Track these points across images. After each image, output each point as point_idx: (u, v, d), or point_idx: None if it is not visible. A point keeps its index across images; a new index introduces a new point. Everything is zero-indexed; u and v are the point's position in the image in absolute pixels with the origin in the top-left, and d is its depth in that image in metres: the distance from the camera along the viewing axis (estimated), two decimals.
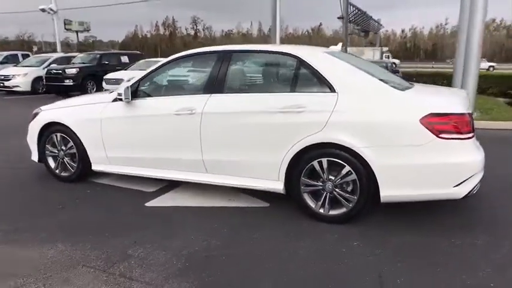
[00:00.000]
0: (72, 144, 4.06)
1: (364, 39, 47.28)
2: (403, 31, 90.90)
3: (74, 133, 4.00)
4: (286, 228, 3.10)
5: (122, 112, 3.75)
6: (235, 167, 3.41)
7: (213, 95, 3.42)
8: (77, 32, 52.37)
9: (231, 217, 3.32)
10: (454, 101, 2.99)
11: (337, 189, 3.08)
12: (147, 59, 15.31)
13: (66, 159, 4.17)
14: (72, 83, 13.48)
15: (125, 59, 15.71)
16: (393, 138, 2.88)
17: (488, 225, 3.14)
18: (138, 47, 63.39)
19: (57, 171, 4.25)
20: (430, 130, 2.79)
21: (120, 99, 3.65)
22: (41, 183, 4.22)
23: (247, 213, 3.41)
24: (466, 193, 2.87)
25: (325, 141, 3.01)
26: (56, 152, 4.20)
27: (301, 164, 3.14)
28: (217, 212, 3.44)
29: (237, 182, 3.45)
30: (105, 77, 12.87)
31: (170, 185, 4.04)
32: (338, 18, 35.44)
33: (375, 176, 2.93)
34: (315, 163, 3.09)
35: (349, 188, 3.08)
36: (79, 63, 14.71)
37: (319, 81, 3.13)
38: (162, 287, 2.34)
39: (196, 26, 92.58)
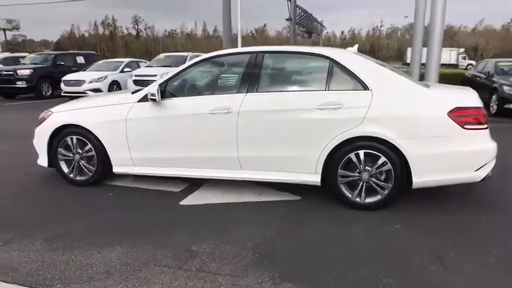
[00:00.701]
0: (91, 146, 3.95)
1: (308, 40, 49.08)
2: (342, 32, 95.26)
3: (94, 135, 3.90)
4: (329, 217, 3.33)
5: (151, 112, 3.73)
6: (272, 163, 3.57)
7: (248, 94, 3.54)
8: (4, 30, 48.41)
9: (272, 210, 3.47)
10: (471, 96, 3.40)
11: (373, 179, 3.37)
12: (106, 60, 14.74)
13: (82, 163, 4.04)
14: (25, 85, 12.66)
15: (80, 59, 14.99)
16: (424, 130, 3.22)
17: (502, 206, 3.59)
18: (75, 47, 60.03)
19: (71, 175, 4.10)
20: (456, 122, 3.17)
21: (153, 100, 3.63)
22: (54, 189, 4.05)
23: (285, 206, 3.57)
24: (484, 176, 3.30)
25: (363, 134, 3.28)
26: (71, 155, 4.05)
27: (339, 157, 3.38)
28: (254, 207, 3.57)
29: (273, 177, 3.61)
30: (63, 78, 12.25)
31: (193, 185, 4.09)
32: (286, 19, 36.42)
33: (408, 164, 3.25)
34: (352, 155, 3.36)
35: (383, 177, 3.37)
36: (30, 64, 13.78)
37: (353, 80, 3.40)
38: (246, 277, 2.45)
39: (138, 26, 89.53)
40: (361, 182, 3.40)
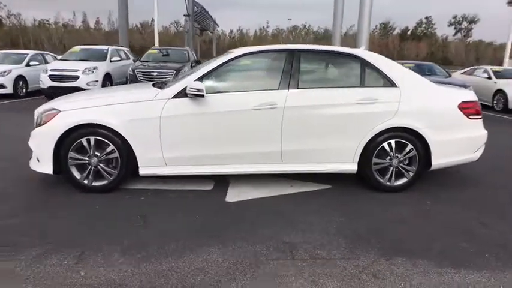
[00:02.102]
0: (113, 147, 3.60)
1: (199, 37, 49.09)
2: (231, 31, 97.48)
3: (119, 135, 3.57)
4: (369, 201, 3.71)
5: (191, 109, 3.59)
6: (313, 155, 3.79)
7: (290, 90, 3.70)
8: None
9: (315, 199, 3.70)
10: (469, 92, 4.14)
11: (401, 164, 3.87)
12: (3, 51, 12.67)
13: (100, 166, 3.65)
14: None
15: None
16: (441, 120, 3.84)
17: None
18: None
19: (85, 181, 3.67)
20: (464, 113, 3.86)
21: (196, 95, 3.50)
22: (69, 199, 3.57)
23: (323, 195, 3.83)
24: (478, 157, 4.08)
25: (396, 125, 3.74)
26: (86, 159, 3.63)
27: (374, 146, 3.79)
28: (296, 198, 3.74)
29: (314, 168, 3.84)
30: None
31: (218, 182, 4.05)
32: (184, 16, 35.90)
33: (429, 149, 3.84)
34: (385, 144, 3.80)
35: (407, 162, 3.90)
36: None
37: (382, 78, 3.84)
38: (358, 258, 2.67)
39: None
40: (392, 168, 3.86)
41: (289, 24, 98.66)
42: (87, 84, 10.44)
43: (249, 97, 3.67)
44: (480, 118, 3.99)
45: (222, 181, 4.08)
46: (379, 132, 3.74)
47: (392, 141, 3.80)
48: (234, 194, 3.77)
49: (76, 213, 3.26)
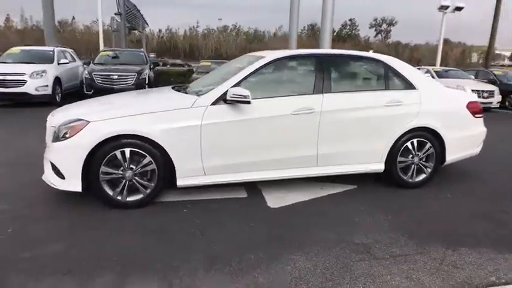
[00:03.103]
0: (150, 159, 3.39)
1: (127, 36, 47.14)
2: (160, 31, 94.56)
3: (157, 145, 3.37)
4: (398, 196, 3.96)
5: (230, 116, 3.51)
6: (346, 157, 3.93)
7: (325, 94, 3.79)
8: None
9: (351, 199, 3.85)
10: (470, 93, 4.58)
11: (421, 161, 4.17)
12: None
13: (136, 180, 3.42)
14: None
15: None
16: (454, 119, 4.22)
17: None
18: None
19: (119, 197, 3.41)
20: (470, 112, 4.28)
21: (242, 102, 3.43)
22: (111, 216, 3.28)
23: (354, 194, 3.99)
24: (479, 151, 4.55)
25: (419, 125, 4.03)
26: (120, 173, 3.37)
27: (399, 146, 4.04)
28: (332, 199, 3.85)
29: (346, 169, 3.97)
30: None
31: (251, 188, 4.01)
32: (116, 14, 34.23)
33: (444, 146, 4.19)
34: (409, 143, 4.07)
35: (425, 159, 4.21)
36: None
37: (403, 81, 4.10)
38: (454, 252, 2.86)
39: None
40: (413, 165, 4.15)
41: (220, 24, 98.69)
42: (36, 89, 9.55)
43: (288, 102, 3.69)
44: (481, 116, 4.44)
45: (253, 188, 4.04)
46: (404, 132, 3.99)
47: (415, 141, 4.08)
48: (274, 200, 3.76)
49: (124, 231, 3.02)
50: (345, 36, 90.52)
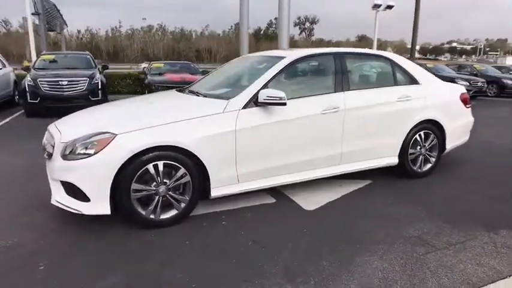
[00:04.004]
0: (185, 171, 3.13)
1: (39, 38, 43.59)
2: (79, 31, 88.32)
3: (191, 155, 3.13)
4: (411, 186, 4.14)
5: (262, 119, 3.37)
6: (366, 153, 4.00)
7: (346, 92, 3.82)
8: None
9: (374, 194, 3.93)
10: (460, 85, 4.92)
11: (427, 152, 4.41)
12: None
13: (169, 195, 3.14)
14: None
15: None
16: (452, 110, 4.52)
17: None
18: None
19: (152, 216, 3.10)
20: (463, 103, 4.62)
21: (278, 104, 3.30)
22: (143, 237, 2.96)
23: (373, 189, 4.06)
24: (468, 138, 4.94)
25: (426, 118, 4.25)
26: (153, 189, 3.06)
27: (410, 138, 4.23)
28: (357, 196, 3.89)
29: (365, 165, 4.05)
30: None
31: (275, 193, 3.90)
32: (33, 14, 31.37)
33: (445, 136, 4.47)
34: (417, 136, 4.27)
35: (429, 150, 4.46)
36: None
37: (408, 77, 4.28)
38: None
39: None
40: (421, 156, 4.37)
41: (144, 24, 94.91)
42: None
43: (315, 101, 3.65)
44: (470, 107, 4.81)
45: (276, 193, 3.92)
46: (414, 125, 4.18)
47: (422, 133, 4.29)
48: (305, 203, 3.69)
49: (178, 253, 2.74)
50: (272, 34, 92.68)
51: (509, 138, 6.96)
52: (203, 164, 3.16)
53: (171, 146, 3.02)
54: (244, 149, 3.30)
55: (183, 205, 3.18)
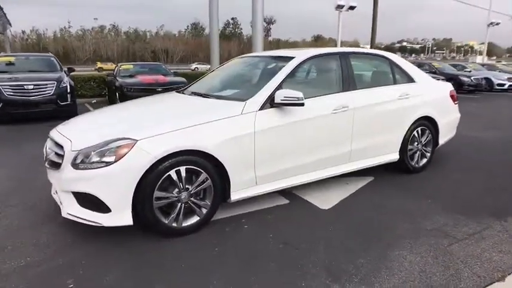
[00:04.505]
0: (206, 175, 3.04)
1: None
2: (23, 32, 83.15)
3: (213, 159, 3.05)
4: (420, 182, 4.30)
5: (279, 120, 3.35)
6: (372, 150, 4.09)
7: (353, 91, 3.89)
8: None
9: (382, 190, 4.03)
10: (448, 83, 5.16)
11: (423, 148, 4.59)
12: None
13: (191, 201, 3.04)
14: None
15: None
16: (443, 106, 4.74)
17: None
18: None
19: (174, 224, 2.99)
20: (452, 100, 4.87)
21: (296, 104, 3.28)
22: (175, 249, 2.84)
23: (380, 186, 4.15)
24: (455, 133, 5.21)
25: (422, 115, 4.42)
26: (175, 195, 2.95)
27: (409, 135, 4.38)
28: (366, 192, 3.97)
29: (370, 162, 4.14)
30: None
31: (286, 194, 3.89)
32: None
33: (438, 132, 4.69)
34: (415, 132, 4.44)
35: (425, 145, 4.65)
36: None
37: (405, 75, 4.44)
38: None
39: None
40: (418, 151, 4.55)
41: (96, 24, 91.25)
42: None
43: (327, 101, 3.68)
44: (457, 103, 5.07)
45: (287, 193, 3.91)
46: (413, 122, 4.34)
47: (419, 129, 4.46)
48: (320, 202, 3.71)
49: (210, 262, 2.66)
50: (229, 34, 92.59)
51: (483, 131, 7.41)
52: (224, 167, 3.08)
53: (193, 150, 2.92)
54: (262, 150, 3.26)
55: (204, 211, 3.08)
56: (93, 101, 12.68)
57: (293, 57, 3.71)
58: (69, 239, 2.97)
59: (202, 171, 2.99)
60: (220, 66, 4.81)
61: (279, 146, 3.38)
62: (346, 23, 26.31)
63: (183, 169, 2.90)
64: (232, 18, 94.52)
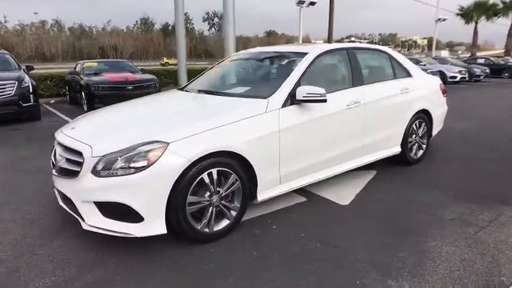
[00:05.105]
0: (236, 177, 2.94)
1: None
2: None
3: (242, 160, 2.94)
4: (422, 173, 4.45)
5: (301, 116, 3.31)
6: (380, 143, 4.17)
7: (362, 86, 3.93)
8: None
9: (389, 183, 4.12)
10: (437, 77, 5.36)
11: (420, 139, 4.76)
12: None
13: (222, 204, 2.92)
14: None
15: None
16: (435, 99, 4.93)
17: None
18: None
19: (206, 229, 2.85)
20: (442, 92, 5.09)
21: (318, 101, 3.24)
22: (209, 258, 2.70)
23: (385, 179, 4.24)
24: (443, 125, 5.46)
25: (420, 108, 4.58)
26: (207, 199, 2.81)
27: (408, 128, 4.52)
28: (378, 185, 4.05)
29: (378, 156, 4.22)
30: None
31: (300, 192, 3.85)
32: None
33: (432, 124, 4.88)
34: (413, 125, 4.59)
35: (421, 137, 4.82)
36: None
37: (403, 70, 4.57)
38: None
39: None
40: (416, 143, 4.71)
41: (36, 19, 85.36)
42: None
43: (341, 97, 3.68)
44: (446, 96, 5.30)
45: (301, 191, 3.87)
46: (413, 115, 4.48)
47: (417, 122, 4.62)
48: (337, 197, 3.71)
49: (251, 267, 2.57)
50: None
51: (456, 122, 7.81)
52: (252, 167, 2.98)
53: (224, 151, 2.79)
54: (286, 149, 3.20)
55: (234, 213, 2.97)
56: (51, 101, 11.87)
57: (306, 53, 3.67)
58: (90, 253, 2.72)
59: (232, 172, 2.87)
60: (219, 62, 4.64)
61: (302, 143, 3.33)
62: (295, 18, 26.51)
63: (214, 171, 2.77)
64: (184, 14, 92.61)
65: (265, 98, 3.21)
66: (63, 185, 2.87)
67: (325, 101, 3.25)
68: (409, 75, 4.60)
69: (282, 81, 3.37)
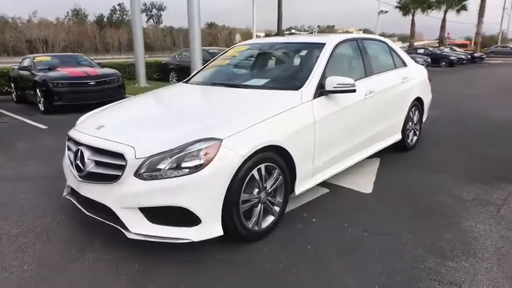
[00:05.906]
0: (280, 171, 2.87)
1: None
2: None
3: (285, 154, 2.88)
4: (422, 158, 4.68)
5: (330, 107, 3.30)
6: (385, 132, 4.30)
7: (372, 76, 4.02)
8: None
9: (399, 170, 4.29)
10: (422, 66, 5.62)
11: (414, 126, 5.00)
12: None
13: (269, 200, 2.84)
14: None
15: None
16: (424, 87, 5.19)
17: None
18: None
19: (256, 227, 2.76)
20: (429, 81, 5.38)
21: (349, 91, 3.24)
22: (255, 258, 2.61)
23: (391, 166, 4.41)
24: None
25: (416, 96, 4.80)
26: (256, 197, 2.72)
27: (407, 115, 4.72)
28: (389, 174, 4.19)
29: (384, 144, 4.35)
30: None
31: (320, 183, 3.86)
32: None
33: (423, 111, 5.14)
34: (410, 113, 4.81)
35: (415, 124, 5.06)
36: None
37: (399, 59, 4.74)
38: None
39: None
40: (412, 130, 4.94)
41: None
42: None
43: (359, 86, 3.71)
44: (431, 84, 5.59)
45: (321, 183, 3.87)
46: (411, 103, 4.68)
47: (413, 109, 4.83)
48: (357, 186, 3.78)
49: (311, 262, 2.53)
50: (117, 22, 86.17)
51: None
52: (292, 161, 2.92)
53: (270, 146, 2.70)
54: (320, 141, 3.18)
55: (277, 209, 2.90)
56: None
57: (323, 43, 3.66)
58: (136, 264, 2.50)
59: (276, 167, 2.79)
60: (223, 53, 4.46)
61: (333, 134, 3.34)
62: (236, 10, 26.42)
63: (263, 167, 2.68)
64: (119, 4, 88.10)
65: (297, 89, 3.15)
66: (95, 191, 2.59)
67: (354, 91, 3.27)
68: (405, 64, 4.78)
69: (307, 73, 3.33)
